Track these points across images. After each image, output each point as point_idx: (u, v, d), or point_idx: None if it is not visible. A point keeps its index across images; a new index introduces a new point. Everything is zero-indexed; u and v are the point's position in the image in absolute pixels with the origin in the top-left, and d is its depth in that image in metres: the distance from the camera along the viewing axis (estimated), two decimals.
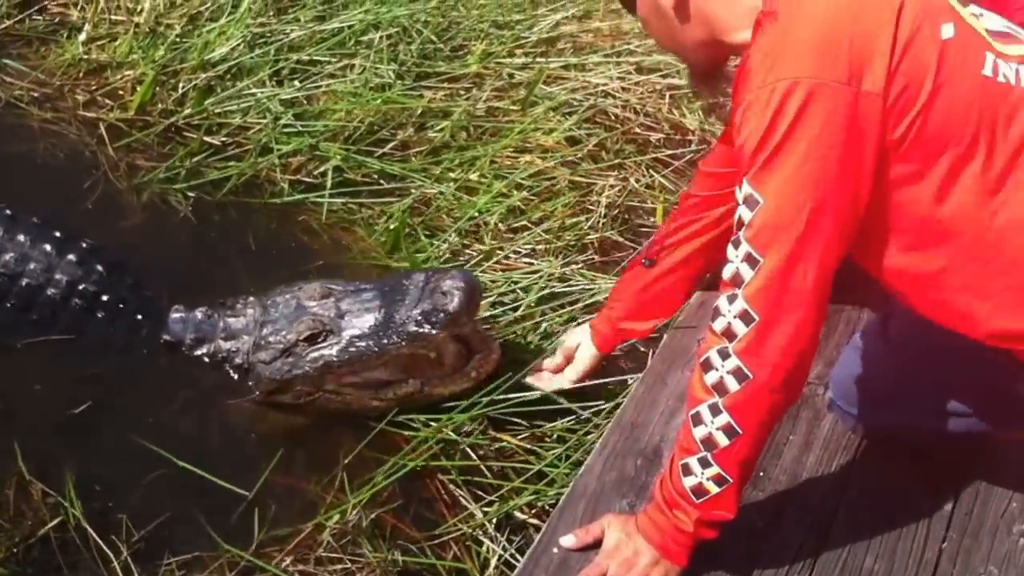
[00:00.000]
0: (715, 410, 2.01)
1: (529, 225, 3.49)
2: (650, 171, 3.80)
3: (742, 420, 2.00)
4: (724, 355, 1.99)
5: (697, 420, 2.04)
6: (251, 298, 2.90)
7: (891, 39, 1.95)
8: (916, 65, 1.96)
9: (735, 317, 1.98)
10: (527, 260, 3.40)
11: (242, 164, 3.39)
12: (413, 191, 3.50)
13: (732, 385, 1.99)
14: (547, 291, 3.24)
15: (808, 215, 1.94)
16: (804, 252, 1.95)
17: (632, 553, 2.21)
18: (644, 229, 3.60)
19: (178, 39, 3.68)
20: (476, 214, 3.46)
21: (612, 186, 3.66)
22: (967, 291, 2.10)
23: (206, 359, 2.85)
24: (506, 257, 3.39)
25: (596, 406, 2.92)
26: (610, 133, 3.87)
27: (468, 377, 2.83)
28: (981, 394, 2.38)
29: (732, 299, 1.98)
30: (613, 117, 3.95)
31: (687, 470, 2.10)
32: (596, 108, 3.92)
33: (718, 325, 2.00)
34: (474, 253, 3.38)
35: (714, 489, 2.08)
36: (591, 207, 3.60)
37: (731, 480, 2.06)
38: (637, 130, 3.94)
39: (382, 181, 3.54)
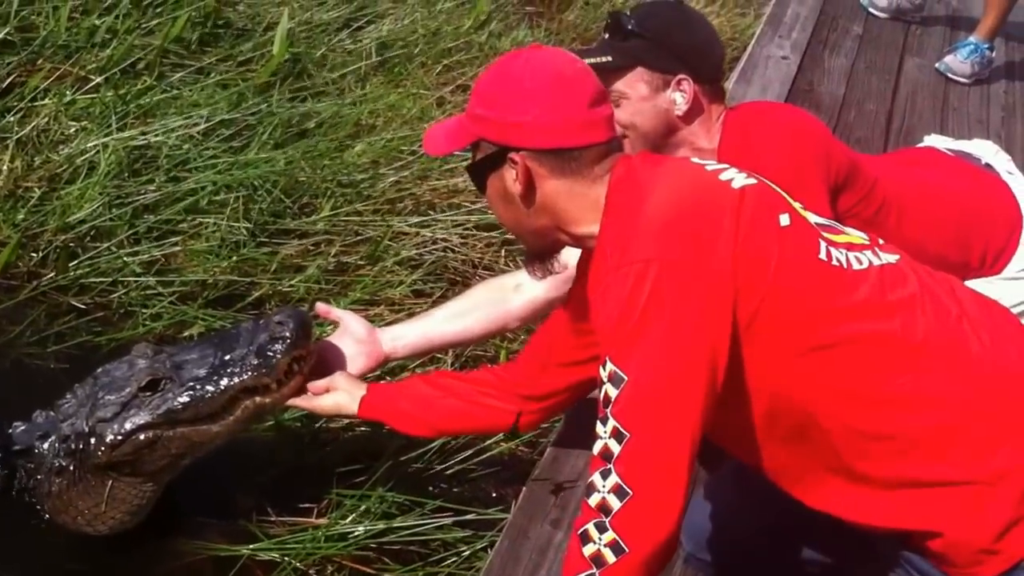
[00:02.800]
0: None
1: (384, 376, 3.51)
2: None
3: None
4: (601, 529, 1.99)
5: None
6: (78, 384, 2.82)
7: (734, 226, 2.04)
8: (758, 250, 2.05)
9: (609, 492, 1.99)
10: None
11: (115, 334, 3.32)
12: None
13: (609, 557, 1.98)
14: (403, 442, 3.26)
15: (671, 388, 1.98)
16: (670, 424, 1.98)
17: None
18: None
19: (38, 202, 3.58)
20: None
21: None
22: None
23: (57, 452, 2.73)
24: None
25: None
26: (453, 286, 3.95)
27: (294, 376, 2.76)
28: (829, 537, 2.44)
29: (605, 474, 2.00)
30: (454, 270, 4.03)
31: None
32: (439, 263, 4.00)
33: (593, 500, 2.00)
34: None
35: None
36: (440, 355, 3.65)
37: None
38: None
39: None
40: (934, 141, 3.72)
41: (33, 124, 3.89)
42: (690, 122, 3.08)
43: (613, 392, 2.00)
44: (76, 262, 3.45)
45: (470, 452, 3.25)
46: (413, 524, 3.00)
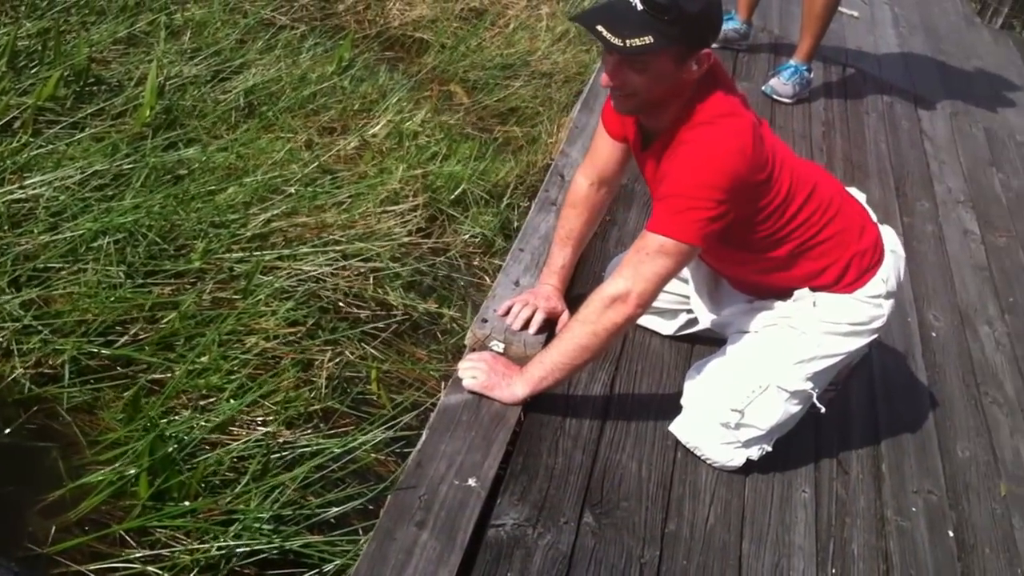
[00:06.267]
0: None
1: (259, 400, 3.48)
2: (362, 344, 3.89)
3: None
4: None
5: None
6: None
7: None
8: None
9: None
10: (258, 430, 3.39)
11: None
12: (142, 376, 3.44)
13: None
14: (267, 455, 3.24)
15: None
16: None
17: None
18: (361, 396, 3.68)
19: None
20: (207, 393, 3.43)
21: (330, 360, 3.72)
22: None
23: None
24: (237, 428, 3.37)
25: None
26: (324, 314, 3.94)
27: None
28: None
29: None
30: (325, 299, 4.02)
31: None
32: (310, 292, 3.99)
33: None
34: (210, 426, 3.33)
35: None
36: (313, 379, 3.64)
37: None
38: (347, 309, 4.03)
39: (119, 368, 3.45)
40: None
41: None
42: (693, 89, 3.06)
43: None
44: None
45: (338, 464, 3.25)
46: (284, 543, 2.98)
